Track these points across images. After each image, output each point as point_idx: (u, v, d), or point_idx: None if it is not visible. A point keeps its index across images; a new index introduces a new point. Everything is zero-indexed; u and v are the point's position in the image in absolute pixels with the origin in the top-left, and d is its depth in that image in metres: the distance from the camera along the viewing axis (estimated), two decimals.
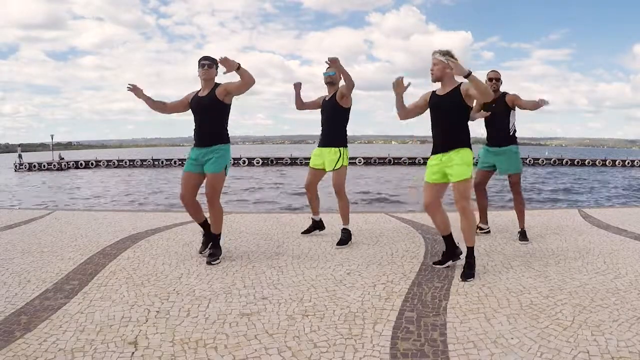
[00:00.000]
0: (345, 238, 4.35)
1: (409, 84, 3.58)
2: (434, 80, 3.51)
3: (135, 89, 3.94)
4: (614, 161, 44.39)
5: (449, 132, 3.48)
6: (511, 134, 4.49)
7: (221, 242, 3.96)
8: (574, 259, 3.76)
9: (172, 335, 2.42)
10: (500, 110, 4.41)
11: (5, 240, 4.57)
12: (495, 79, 4.41)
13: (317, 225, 4.79)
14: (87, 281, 3.29)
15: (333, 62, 4.12)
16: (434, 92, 3.60)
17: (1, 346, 2.28)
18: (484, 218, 4.70)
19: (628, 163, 43.59)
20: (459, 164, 3.36)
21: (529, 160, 45.70)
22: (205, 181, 3.84)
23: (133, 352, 2.23)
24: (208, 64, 3.79)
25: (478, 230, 4.53)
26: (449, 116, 3.47)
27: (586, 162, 45.00)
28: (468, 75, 3.15)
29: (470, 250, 3.41)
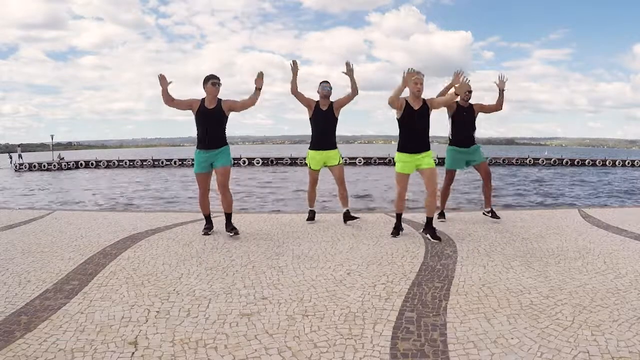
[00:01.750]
0: (351, 216, 5.32)
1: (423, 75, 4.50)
2: (419, 96, 4.49)
3: (163, 78, 4.54)
4: (614, 161, 44.39)
5: (424, 138, 4.61)
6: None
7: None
8: (574, 259, 3.76)
9: (172, 335, 2.42)
10: (470, 117, 5.36)
11: (5, 240, 4.57)
12: (469, 91, 5.28)
13: (314, 215, 5.48)
14: (87, 281, 3.29)
15: (349, 70, 5.14)
16: (406, 101, 4.49)
17: (1, 346, 2.28)
18: (444, 204, 5.64)
19: (628, 163, 43.59)
20: (429, 157, 4.58)
21: (529, 160, 45.72)
22: (218, 173, 4.67)
23: (133, 352, 2.23)
24: (219, 83, 4.62)
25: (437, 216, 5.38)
26: (425, 126, 4.59)
27: (586, 162, 45.00)
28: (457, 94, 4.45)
29: (432, 219, 4.60)
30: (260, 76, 4.67)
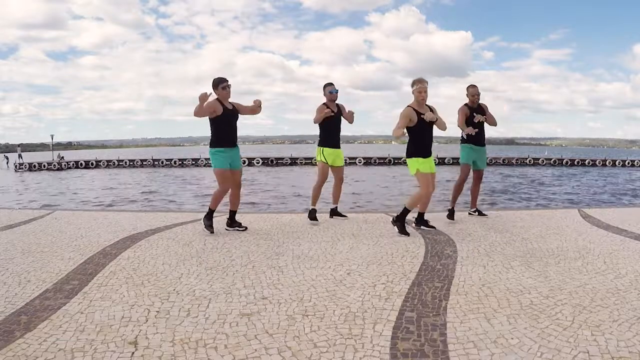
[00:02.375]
0: (339, 212, 5.79)
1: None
2: (424, 103, 4.71)
3: (205, 96, 4.63)
4: (614, 161, 44.37)
5: (431, 144, 4.90)
6: None
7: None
8: (574, 259, 3.76)
9: (172, 335, 2.42)
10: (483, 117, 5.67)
11: (5, 240, 4.57)
12: (477, 94, 5.57)
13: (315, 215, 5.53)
14: (87, 281, 3.29)
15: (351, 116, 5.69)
16: (414, 110, 4.65)
17: (1, 346, 2.28)
18: (454, 202, 5.74)
19: (628, 163, 43.57)
20: (432, 163, 4.90)
21: (529, 160, 45.73)
22: (236, 174, 5.03)
23: (133, 352, 2.23)
24: (229, 85, 4.85)
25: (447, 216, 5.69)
26: (432, 132, 4.84)
27: (586, 162, 44.99)
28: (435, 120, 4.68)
29: (424, 213, 5.05)
30: (258, 104, 5.09)
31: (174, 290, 3.11)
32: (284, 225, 5.32)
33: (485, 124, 5.70)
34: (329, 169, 5.60)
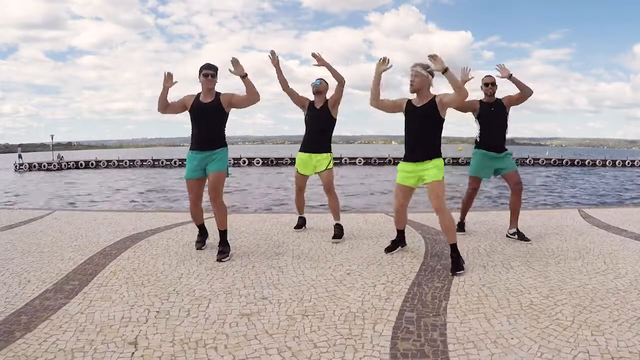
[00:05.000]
0: (339, 232, 4.59)
1: (390, 66, 3.83)
2: (413, 91, 3.69)
3: (170, 77, 3.97)
4: (614, 161, 44.39)
5: (425, 142, 3.70)
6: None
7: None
8: (574, 259, 3.76)
9: (172, 335, 2.42)
10: (500, 114, 4.47)
11: (5, 240, 4.57)
12: (491, 83, 4.46)
13: (304, 222, 5.13)
14: (87, 281, 3.29)
15: (318, 59, 4.48)
16: (409, 101, 3.78)
17: (1, 346, 2.28)
18: (464, 216, 4.86)
19: (628, 163, 43.59)
20: (433, 168, 3.63)
21: (529, 160, 45.74)
22: (207, 181, 3.99)
23: (133, 352, 2.23)
24: (211, 74, 3.92)
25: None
26: (426, 127, 3.68)
27: (586, 162, 45.00)
28: (445, 70, 3.42)
29: (454, 246, 3.55)
30: (235, 62, 3.89)
31: (174, 290, 3.11)
32: (284, 225, 5.32)
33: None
34: (304, 178, 4.83)
